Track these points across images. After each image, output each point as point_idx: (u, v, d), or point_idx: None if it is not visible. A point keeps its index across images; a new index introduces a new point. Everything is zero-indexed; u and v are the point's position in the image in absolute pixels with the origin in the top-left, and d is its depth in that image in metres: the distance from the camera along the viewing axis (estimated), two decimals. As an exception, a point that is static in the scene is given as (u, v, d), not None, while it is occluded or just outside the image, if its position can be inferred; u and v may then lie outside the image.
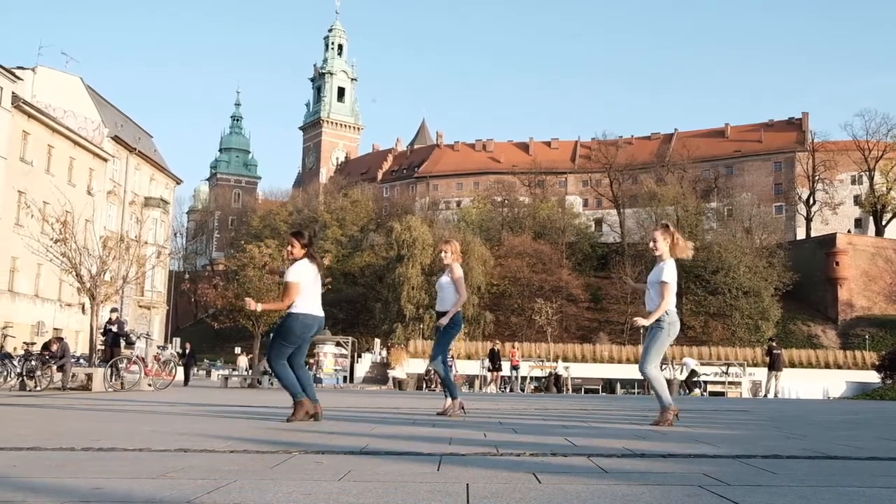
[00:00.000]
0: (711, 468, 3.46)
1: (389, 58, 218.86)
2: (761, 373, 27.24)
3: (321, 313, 6.59)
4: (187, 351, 29.44)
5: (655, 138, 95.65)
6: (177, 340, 46.36)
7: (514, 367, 28.59)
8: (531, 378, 37.58)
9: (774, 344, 25.72)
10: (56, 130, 41.99)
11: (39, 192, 34.04)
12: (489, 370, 27.56)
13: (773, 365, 24.02)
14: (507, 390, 27.58)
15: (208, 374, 48.57)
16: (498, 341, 31.02)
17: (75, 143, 43.85)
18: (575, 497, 2.67)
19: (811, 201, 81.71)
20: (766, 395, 24.28)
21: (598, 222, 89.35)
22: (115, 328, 18.03)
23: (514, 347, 30.86)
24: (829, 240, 74.40)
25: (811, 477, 3.29)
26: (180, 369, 26.42)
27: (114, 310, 20.89)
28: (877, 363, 36.08)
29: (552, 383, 32.50)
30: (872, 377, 34.95)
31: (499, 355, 27.09)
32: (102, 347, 18.13)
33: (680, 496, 2.71)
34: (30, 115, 39.62)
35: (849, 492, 2.86)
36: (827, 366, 49.21)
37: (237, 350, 40.91)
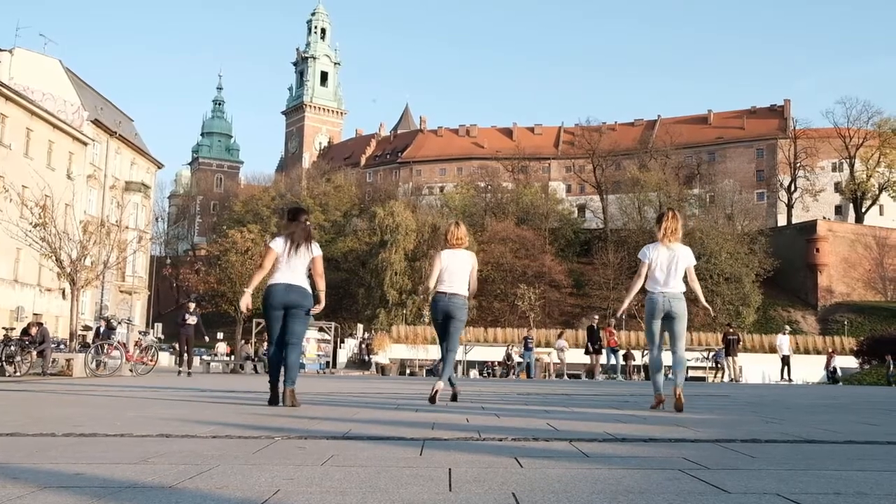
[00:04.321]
0: (692, 452, 3.49)
1: (373, 42, 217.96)
2: (740, 358, 27.50)
3: (289, 281, 6.56)
4: (103, 329, 20.27)
5: (639, 124, 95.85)
6: (158, 326, 46.10)
7: (614, 350, 23.53)
8: (515, 363, 37.64)
9: (731, 330, 26.37)
10: (34, 113, 41.44)
11: (18, 175, 33.56)
12: (588, 352, 23.15)
13: (729, 350, 24.56)
14: (618, 376, 23.48)
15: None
16: (596, 316, 25.34)
17: (54, 126, 43.31)
18: (556, 481, 2.68)
19: (792, 188, 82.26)
20: (733, 380, 24.63)
21: (582, 208, 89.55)
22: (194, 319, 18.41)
23: (610, 325, 24.41)
24: (810, 226, 75.02)
25: (790, 460, 3.33)
26: (163, 354, 26.24)
27: (190, 299, 21.08)
28: (855, 349, 36.57)
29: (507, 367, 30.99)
30: (851, 362, 35.38)
31: (599, 335, 22.86)
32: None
33: (660, 480, 2.73)
34: (7, 98, 39.06)
35: (826, 475, 2.89)
36: (806, 351, 49.63)
37: (219, 336, 40.69)
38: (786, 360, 26.25)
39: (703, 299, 6.77)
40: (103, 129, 50.53)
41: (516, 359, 30.67)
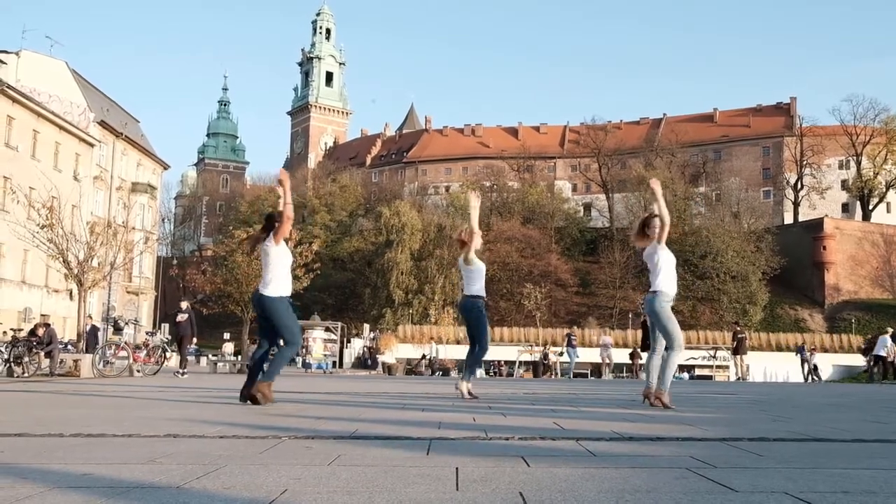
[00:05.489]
0: (699, 451, 3.49)
1: (378, 42, 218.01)
2: (748, 356, 27.38)
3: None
4: (88, 328, 20.95)
5: (644, 123, 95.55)
6: (165, 326, 46.21)
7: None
8: (520, 363, 37.63)
9: (739, 328, 26.10)
10: (41, 115, 41.57)
11: (25, 177, 33.76)
12: (642, 350, 20.34)
13: (738, 349, 24.40)
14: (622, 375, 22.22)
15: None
16: None
17: (61, 128, 43.44)
18: (563, 480, 2.68)
19: (799, 186, 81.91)
20: (740, 378, 24.47)
21: (587, 207, 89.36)
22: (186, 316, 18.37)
23: None
24: (817, 224, 74.69)
25: (797, 459, 3.32)
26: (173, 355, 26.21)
27: (182, 298, 21.11)
28: (862, 347, 36.41)
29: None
30: (858, 360, 35.27)
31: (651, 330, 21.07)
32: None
33: (668, 479, 2.73)
34: (14, 100, 39.19)
35: (834, 473, 2.88)
36: (813, 349, 49.52)
37: (226, 336, 40.81)
38: (885, 362, 26.35)
39: None
40: (109, 130, 50.65)
41: (553, 358, 30.50)
